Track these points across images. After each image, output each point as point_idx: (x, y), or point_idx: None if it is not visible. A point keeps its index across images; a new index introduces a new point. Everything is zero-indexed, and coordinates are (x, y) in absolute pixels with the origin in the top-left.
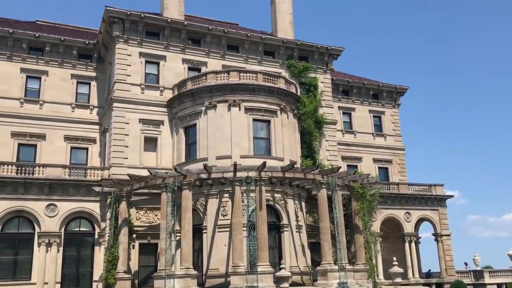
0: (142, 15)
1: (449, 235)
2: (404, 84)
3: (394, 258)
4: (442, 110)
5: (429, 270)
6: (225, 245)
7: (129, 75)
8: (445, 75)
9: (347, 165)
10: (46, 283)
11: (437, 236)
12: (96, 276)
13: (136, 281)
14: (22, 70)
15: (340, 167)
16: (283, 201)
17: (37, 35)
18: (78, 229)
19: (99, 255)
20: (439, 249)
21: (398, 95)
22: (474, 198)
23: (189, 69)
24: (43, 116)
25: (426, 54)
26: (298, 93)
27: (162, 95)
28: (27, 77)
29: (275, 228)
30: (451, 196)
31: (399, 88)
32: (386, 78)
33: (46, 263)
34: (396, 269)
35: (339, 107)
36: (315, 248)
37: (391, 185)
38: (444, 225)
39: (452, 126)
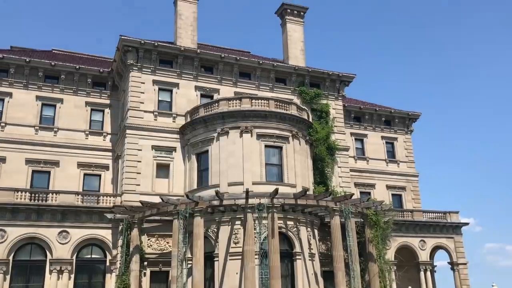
0: (156, 44)
1: (465, 263)
2: (417, 110)
3: (409, 287)
4: (456, 136)
5: None
6: (237, 273)
7: (143, 102)
8: (459, 100)
9: (360, 192)
10: None
11: (453, 264)
12: None
13: None
14: (38, 98)
15: (353, 194)
16: (295, 229)
17: (53, 63)
18: (89, 256)
19: (110, 283)
20: (455, 278)
21: (410, 121)
22: (490, 226)
23: (202, 96)
24: (57, 143)
25: (439, 80)
26: (310, 119)
27: (174, 121)
28: (43, 104)
29: (288, 256)
30: (467, 224)
31: (411, 114)
32: (399, 104)
33: None
34: None
35: (351, 133)
36: (328, 276)
37: (405, 212)
38: (460, 253)
39: (466, 152)
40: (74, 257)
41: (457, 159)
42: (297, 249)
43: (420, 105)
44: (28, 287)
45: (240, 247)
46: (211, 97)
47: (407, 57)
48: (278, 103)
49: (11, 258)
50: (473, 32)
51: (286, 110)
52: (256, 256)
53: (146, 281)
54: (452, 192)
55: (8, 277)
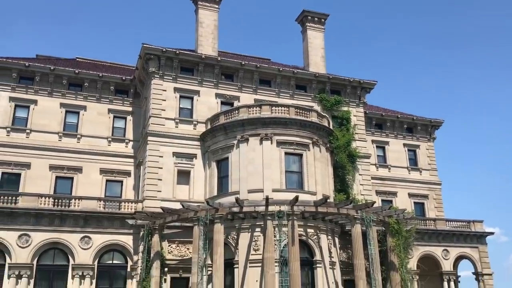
0: (177, 52)
1: (490, 274)
2: (439, 117)
3: None
4: (480, 143)
5: None
6: (256, 280)
7: (164, 110)
8: (482, 107)
9: (382, 200)
10: None
11: (477, 275)
12: None
13: None
14: (62, 105)
15: (374, 202)
16: (316, 237)
17: (76, 71)
18: (111, 261)
19: None
20: None
21: (433, 129)
22: None
23: (222, 103)
24: (80, 150)
25: (462, 86)
26: (331, 127)
27: (195, 129)
28: (66, 112)
29: (308, 264)
30: (492, 233)
31: (434, 122)
32: (421, 111)
33: None
34: None
35: (373, 141)
36: (349, 285)
37: (427, 221)
38: (485, 263)
39: (491, 160)
40: (95, 263)
41: (481, 167)
42: (318, 257)
43: (443, 112)
44: None
45: (260, 254)
46: (232, 104)
47: (429, 63)
48: (298, 110)
49: (35, 262)
50: (497, 38)
51: (307, 117)
52: (276, 264)
53: (166, 287)
54: (476, 201)
55: (32, 281)
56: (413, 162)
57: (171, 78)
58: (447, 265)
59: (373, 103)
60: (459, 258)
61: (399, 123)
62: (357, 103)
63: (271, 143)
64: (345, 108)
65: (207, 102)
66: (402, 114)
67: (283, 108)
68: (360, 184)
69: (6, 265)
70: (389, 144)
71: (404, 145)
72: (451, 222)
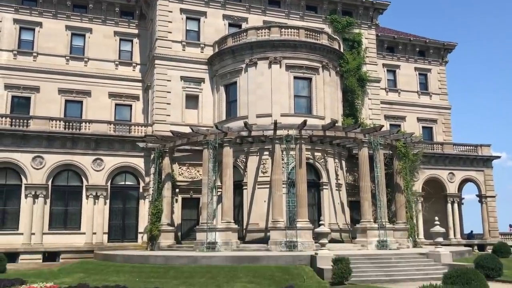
0: None
1: (494, 196)
2: (452, 41)
3: (436, 218)
4: (492, 68)
5: (471, 231)
6: (264, 201)
7: (170, 32)
8: (496, 30)
9: (390, 124)
10: (94, 233)
11: (481, 197)
12: (141, 228)
13: (179, 234)
14: (67, 27)
15: (382, 126)
16: (323, 160)
17: None
18: (123, 183)
19: (144, 208)
20: (482, 210)
21: (445, 52)
22: None
23: (230, 25)
24: (88, 73)
25: (476, 8)
26: (341, 50)
27: (202, 52)
28: (72, 34)
29: (315, 186)
30: (498, 157)
31: (446, 45)
32: (433, 34)
33: (94, 214)
34: (437, 228)
35: (383, 64)
36: (354, 206)
37: (435, 145)
38: (489, 186)
39: (502, 85)
40: (108, 184)
41: (492, 92)
42: (324, 179)
43: (456, 35)
44: (67, 211)
45: (268, 176)
46: (240, 26)
47: None
48: (308, 33)
49: (49, 183)
50: None
51: (317, 39)
52: (284, 185)
53: (177, 207)
54: (485, 126)
55: (48, 200)
56: (424, 86)
57: None
58: (452, 188)
59: (385, 25)
60: (464, 181)
61: (411, 46)
62: (369, 25)
63: (280, 67)
64: (357, 31)
65: (214, 24)
66: (414, 36)
67: (292, 30)
68: (369, 109)
69: (23, 186)
70: (400, 68)
71: (416, 69)
72: (459, 146)
